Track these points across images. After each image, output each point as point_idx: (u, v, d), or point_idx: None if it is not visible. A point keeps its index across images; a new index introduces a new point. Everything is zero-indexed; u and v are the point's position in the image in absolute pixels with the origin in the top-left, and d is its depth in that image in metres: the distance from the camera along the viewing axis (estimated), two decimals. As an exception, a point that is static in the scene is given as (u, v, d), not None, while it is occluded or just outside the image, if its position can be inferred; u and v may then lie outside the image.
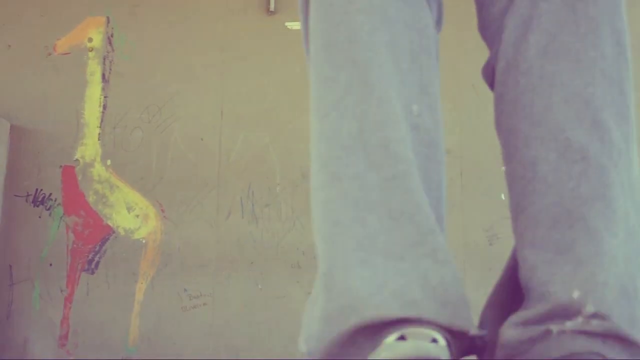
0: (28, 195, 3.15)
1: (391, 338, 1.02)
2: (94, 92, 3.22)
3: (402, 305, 1.10)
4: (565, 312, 1.11)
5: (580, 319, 1.07)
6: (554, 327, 1.09)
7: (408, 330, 1.01)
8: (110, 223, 3.13)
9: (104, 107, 3.20)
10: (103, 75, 3.22)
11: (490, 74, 1.25)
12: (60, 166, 3.17)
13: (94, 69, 3.23)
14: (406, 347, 1.01)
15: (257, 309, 3.01)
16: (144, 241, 3.10)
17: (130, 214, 3.13)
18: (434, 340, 1.01)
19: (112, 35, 3.23)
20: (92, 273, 3.09)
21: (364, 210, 1.11)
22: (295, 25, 3.16)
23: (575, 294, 1.12)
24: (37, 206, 3.14)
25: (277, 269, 3.02)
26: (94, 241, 3.12)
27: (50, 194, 3.15)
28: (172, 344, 3.01)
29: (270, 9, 3.17)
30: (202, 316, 3.03)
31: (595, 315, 1.08)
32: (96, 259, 3.10)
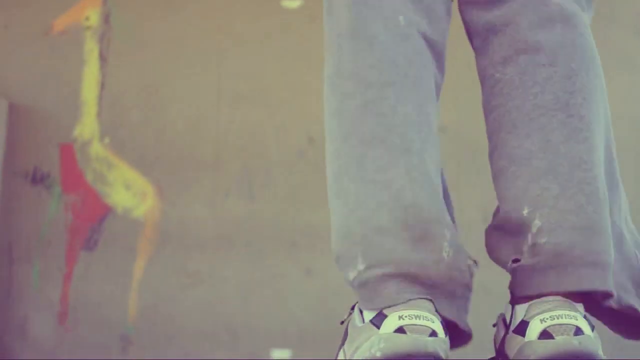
0: (27, 174, 3.15)
1: (390, 327, 1.04)
2: (91, 71, 3.21)
3: (364, 235, 1.12)
4: (519, 230, 1.13)
5: (529, 241, 1.10)
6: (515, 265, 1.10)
7: (408, 322, 1.03)
8: (108, 201, 3.14)
9: (102, 85, 3.19)
10: (101, 54, 3.21)
11: None
12: (59, 145, 3.17)
13: (92, 47, 3.23)
14: (404, 342, 1.03)
15: (255, 287, 3.03)
16: (142, 220, 3.11)
17: (128, 192, 3.14)
18: (433, 334, 1.04)
19: (109, 14, 3.23)
20: (91, 251, 3.10)
21: (339, 141, 1.16)
22: (292, 4, 3.15)
23: (525, 211, 1.14)
24: (36, 185, 3.15)
25: (275, 247, 3.04)
26: (93, 219, 3.13)
27: (49, 173, 3.15)
28: (170, 321, 3.02)
29: (267, -12, 3.16)
30: (200, 294, 3.04)
31: (541, 231, 1.09)
32: (95, 237, 3.11)
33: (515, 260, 1.13)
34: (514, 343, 1.08)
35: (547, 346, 1.03)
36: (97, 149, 3.16)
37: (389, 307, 1.06)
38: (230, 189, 3.08)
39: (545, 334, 1.04)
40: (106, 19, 3.22)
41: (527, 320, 1.07)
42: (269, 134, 3.11)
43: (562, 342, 1.03)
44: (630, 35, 3.04)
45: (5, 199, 3.10)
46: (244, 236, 3.05)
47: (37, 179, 3.15)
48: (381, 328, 1.05)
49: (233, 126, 3.13)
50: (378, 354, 1.02)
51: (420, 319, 1.05)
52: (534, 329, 1.05)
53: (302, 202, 3.03)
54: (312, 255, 2.99)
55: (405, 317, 1.05)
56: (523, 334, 1.06)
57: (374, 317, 1.07)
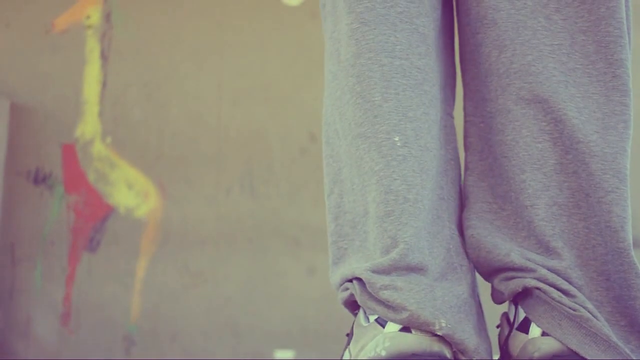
0: (29, 174, 3.15)
1: (394, 327, 1.05)
2: (93, 70, 3.21)
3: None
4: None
5: None
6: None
7: (412, 321, 1.03)
8: (110, 201, 3.13)
9: (103, 84, 3.19)
10: (102, 53, 3.20)
11: None
12: (61, 144, 3.16)
13: (93, 46, 3.22)
14: (410, 341, 1.04)
15: (257, 285, 3.02)
16: (144, 219, 3.10)
17: (130, 191, 3.13)
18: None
19: (110, 13, 3.22)
20: (94, 251, 3.10)
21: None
22: (292, 2, 3.14)
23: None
24: (38, 185, 3.15)
25: (277, 245, 3.02)
26: (95, 219, 3.13)
27: (51, 173, 3.15)
28: (173, 320, 3.02)
29: (268, -15, 3.15)
30: (202, 293, 3.03)
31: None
32: (97, 237, 3.10)
33: None
34: (518, 341, 1.07)
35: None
36: (99, 148, 3.15)
37: None
38: (232, 187, 3.07)
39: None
40: (107, 17, 3.21)
41: (532, 320, 1.06)
42: (270, 131, 3.10)
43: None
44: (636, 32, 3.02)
45: (7, 199, 3.10)
46: (246, 234, 3.04)
47: (39, 179, 3.14)
48: (386, 327, 1.05)
49: (234, 124, 3.12)
50: (383, 353, 1.02)
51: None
52: (537, 327, 1.05)
53: (304, 200, 3.02)
54: (315, 254, 2.98)
55: None
56: (526, 331, 1.06)
57: (379, 317, 1.06)
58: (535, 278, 1.08)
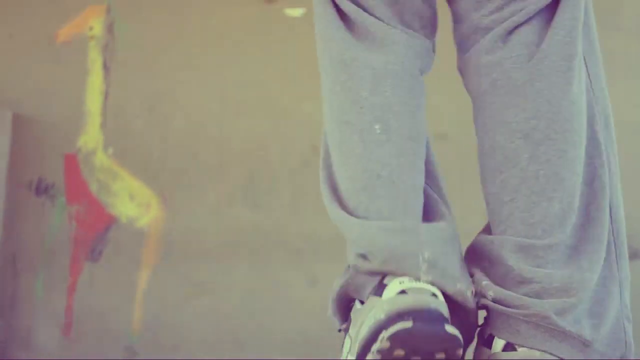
0: (31, 184, 3.15)
1: (392, 291, 1.09)
2: (95, 81, 3.21)
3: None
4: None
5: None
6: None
7: (409, 285, 1.10)
8: (113, 212, 3.14)
9: (106, 95, 3.19)
10: (104, 64, 3.21)
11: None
12: (63, 155, 3.17)
13: (95, 57, 3.23)
14: (407, 300, 1.08)
15: (259, 296, 3.02)
16: (146, 230, 3.10)
17: (132, 202, 3.13)
18: (434, 295, 1.09)
19: (112, 24, 3.23)
20: (96, 262, 3.10)
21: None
22: (294, 13, 3.15)
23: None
24: (40, 195, 3.15)
25: (279, 256, 3.03)
26: (97, 230, 3.13)
27: (54, 183, 3.15)
28: (175, 331, 3.02)
29: (270, -3, 3.17)
30: (204, 304, 3.03)
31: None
32: (99, 247, 3.11)
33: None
34: (483, 355, 1.10)
35: (511, 358, 1.06)
36: (101, 159, 3.16)
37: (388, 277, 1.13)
38: (234, 198, 3.07)
39: (509, 347, 1.07)
40: (110, 28, 3.22)
41: (494, 334, 1.09)
42: (272, 142, 3.10)
43: (527, 353, 1.05)
44: (633, 41, 3.03)
45: (9, 210, 3.10)
46: (248, 245, 3.04)
47: (41, 189, 3.15)
48: (383, 294, 1.10)
49: (237, 135, 3.13)
50: (382, 316, 1.05)
51: (420, 283, 1.10)
52: (500, 342, 1.08)
53: (306, 211, 3.02)
54: (317, 264, 2.98)
55: (405, 281, 1.10)
56: (489, 347, 1.09)
57: (375, 290, 1.12)
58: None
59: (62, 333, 3.05)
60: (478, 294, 1.14)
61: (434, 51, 1.38)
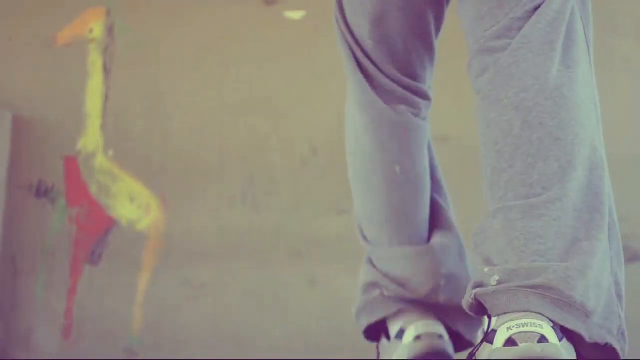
0: (31, 187, 3.15)
1: (410, 337, 1.39)
2: (95, 83, 3.22)
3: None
4: None
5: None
6: None
7: (422, 331, 1.41)
8: (113, 214, 3.14)
9: (106, 97, 3.20)
10: (104, 66, 3.22)
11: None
12: (63, 157, 3.17)
13: (95, 59, 3.23)
14: (422, 346, 1.36)
15: (259, 298, 3.02)
16: (146, 232, 3.11)
17: (132, 204, 3.14)
18: (440, 337, 1.25)
19: (112, 26, 3.23)
20: (96, 264, 3.10)
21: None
22: (294, 15, 3.15)
23: None
24: (40, 197, 3.15)
25: (278, 257, 3.03)
26: (97, 232, 3.13)
27: (54, 185, 3.15)
28: (175, 333, 3.02)
29: (269, -1, 3.17)
30: (204, 305, 3.04)
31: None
32: (99, 250, 3.11)
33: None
34: (485, 352, 1.11)
35: (510, 353, 1.06)
36: (101, 161, 3.16)
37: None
38: (234, 199, 3.08)
39: (510, 342, 1.06)
40: (110, 31, 3.23)
41: (496, 328, 1.09)
42: (272, 144, 3.11)
43: (524, 349, 1.04)
44: (632, 42, 3.04)
45: (9, 212, 3.10)
46: (248, 246, 3.05)
47: (41, 191, 3.15)
48: (403, 339, 1.41)
49: (236, 136, 3.14)
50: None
51: (430, 327, 1.40)
52: (501, 336, 1.09)
53: (306, 212, 3.03)
54: (317, 265, 2.99)
55: (420, 327, 1.41)
56: (491, 342, 1.09)
57: (397, 334, 1.44)
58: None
59: (62, 335, 3.06)
60: (477, 286, 1.15)
61: (429, 98, 1.65)
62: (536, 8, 1.25)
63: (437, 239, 1.55)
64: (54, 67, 3.22)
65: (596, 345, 1.15)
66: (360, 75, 1.55)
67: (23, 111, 3.19)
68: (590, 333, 1.12)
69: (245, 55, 3.16)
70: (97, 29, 3.25)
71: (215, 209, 3.09)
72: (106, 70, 3.21)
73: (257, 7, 3.18)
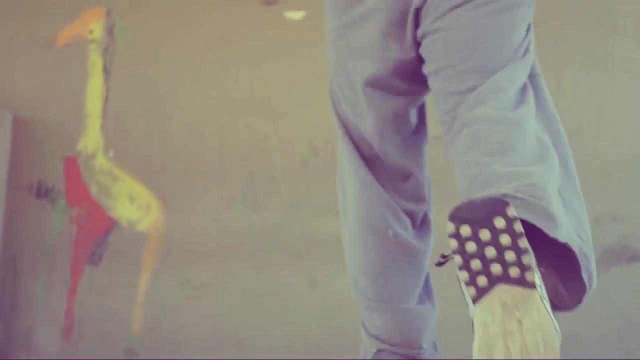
0: (31, 187, 3.15)
1: None
2: (95, 83, 3.22)
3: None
4: None
5: None
6: None
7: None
8: (113, 214, 3.14)
9: (106, 98, 3.20)
10: (104, 67, 3.22)
11: None
12: (63, 158, 3.17)
13: (96, 60, 3.23)
14: None
15: (259, 298, 3.02)
16: (146, 232, 3.11)
17: (132, 205, 3.13)
18: None
19: (113, 27, 3.24)
20: (96, 264, 3.10)
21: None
22: (294, 15, 3.15)
23: None
24: (41, 198, 3.15)
25: (278, 257, 3.03)
26: (98, 233, 3.13)
27: (54, 186, 3.15)
28: (175, 333, 3.02)
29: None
30: (205, 306, 3.04)
31: None
32: (99, 250, 3.11)
33: None
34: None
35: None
36: (101, 161, 3.16)
37: None
38: (234, 199, 3.08)
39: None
40: (110, 31, 3.23)
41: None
42: (272, 144, 3.11)
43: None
44: (632, 42, 3.04)
45: (9, 212, 3.11)
46: (248, 246, 3.05)
47: (42, 192, 3.15)
48: None
49: (236, 137, 3.13)
50: None
51: None
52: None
53: (306, 212, 3.03)
54: (317, 265, 2.99)
55: None
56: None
57: None
58: None
59: (62, 335, 3.06)
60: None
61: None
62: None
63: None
64: (54, 67, 3.22)
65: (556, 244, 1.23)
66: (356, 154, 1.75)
67: (23, 112, 3.19)
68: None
69: (245, 55, 3.16)
70: (97, 29, 3.25)
71: (215, 209, 3.09)
72: (106, 70, 3.21)
73: (257, 7, 3.18)
